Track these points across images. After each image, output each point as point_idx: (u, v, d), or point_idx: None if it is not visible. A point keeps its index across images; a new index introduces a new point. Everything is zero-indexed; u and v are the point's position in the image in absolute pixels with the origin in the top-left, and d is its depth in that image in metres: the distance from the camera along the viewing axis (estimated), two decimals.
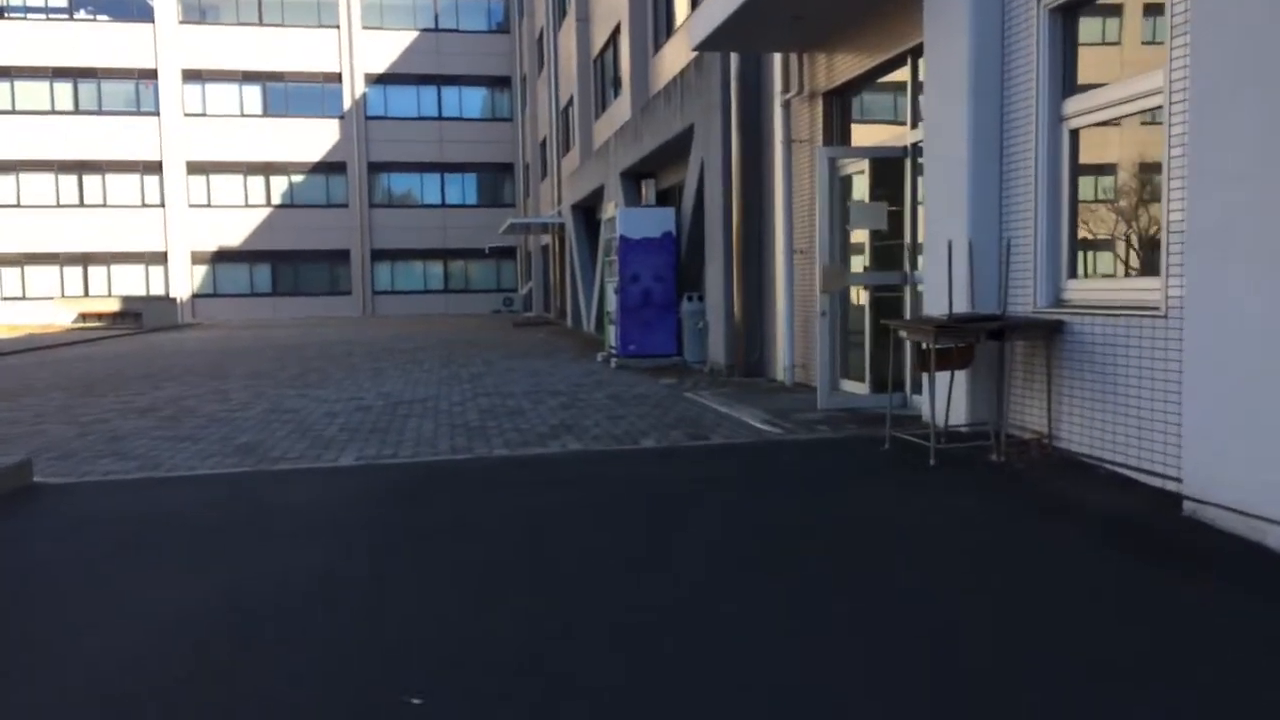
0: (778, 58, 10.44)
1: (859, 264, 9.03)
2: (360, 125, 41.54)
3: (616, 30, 21.26)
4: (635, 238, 13.26)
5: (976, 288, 6.46)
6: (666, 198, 16.55)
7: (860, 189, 9.23)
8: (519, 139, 40.85)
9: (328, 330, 26.79)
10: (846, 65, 9.15)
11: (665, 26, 17.90)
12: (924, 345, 6.11)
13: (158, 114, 40.20)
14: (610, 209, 14.04)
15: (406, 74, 41.95)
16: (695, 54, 12.69)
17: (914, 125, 8.10)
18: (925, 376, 6.58)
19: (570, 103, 28.00)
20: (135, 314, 34.02)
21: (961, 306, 6.53)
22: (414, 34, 41.97)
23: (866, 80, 9.16)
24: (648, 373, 12.34)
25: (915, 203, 8.16)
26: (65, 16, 39.85)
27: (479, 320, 32.82)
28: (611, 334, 13.98)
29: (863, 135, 9.80)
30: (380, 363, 15.02)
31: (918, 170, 8.14)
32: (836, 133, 9.68)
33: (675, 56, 16.65)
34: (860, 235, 8.97)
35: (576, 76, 25.90)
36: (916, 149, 8.12)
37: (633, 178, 17.40)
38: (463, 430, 7.67)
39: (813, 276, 9.94)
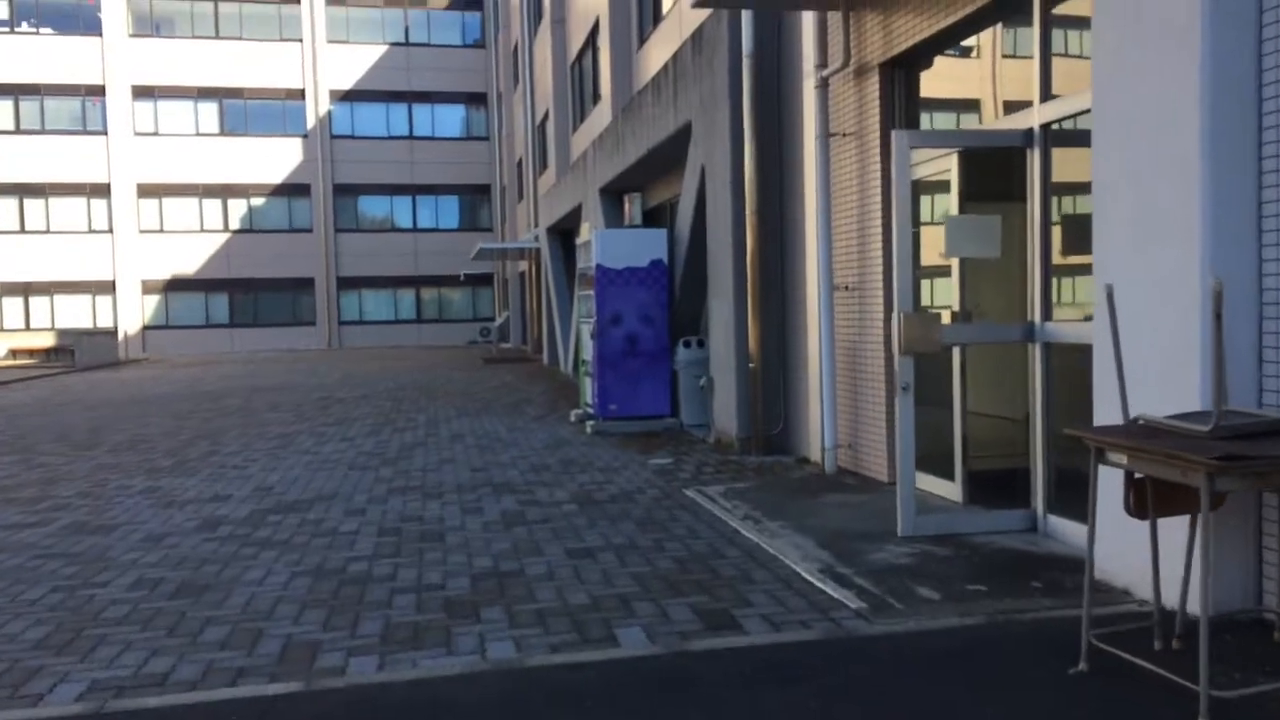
0: (808, 20, 7.59)
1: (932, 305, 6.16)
2: (325, 145, 38.71)
3: (595, 28, 18.50)
4: (616, 267, 10.35)
5: (1232, 366, 3.58)
6: (655, 217, 13.67)
7: (938, 202, 6.37)
8: (495, 159, 38.12)
9: (276, 370, 23.76)
10: (913, 22, 6.31)
11: (651, 14, 15.11)
12: (1143, 473, 3.22)
13: (106, 133, 37.29)
14: (585, 231, 11.13)
15: (375, 90, 39.21)
16: (691, 34, 9.85)
17: (1045, 97, 5.24)
18: (1146, 521, 3.68)
19: (546, 117, 25.25)
20: (71, 350, 30.85)
21: (1178, 394, 3.66)
22: (383, 48, 39.26)
23: (946, 40, 6.32)
24: (634, 443, 9.40)
25: (1045, 215, 5.28)
26: (6, 30, 36.94)
27: (449, 354, 29.83)
28: (588, 388, 11.05)
29: (941, 125, 6.99)
30: (302, 423, 12.02)
31: (1048, 166, 5.27)
32: (899, 120, 6.83)
33: (662, 52, 13.84)
34: (929, 260, 6.10)
35: (553, 87, 23.15)
36: (1048, 134, 5.25)
37: (614, 194, 14.53)
38: (328, 591, 4.70)
39: (861, 321, 7.03)
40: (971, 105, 6.46)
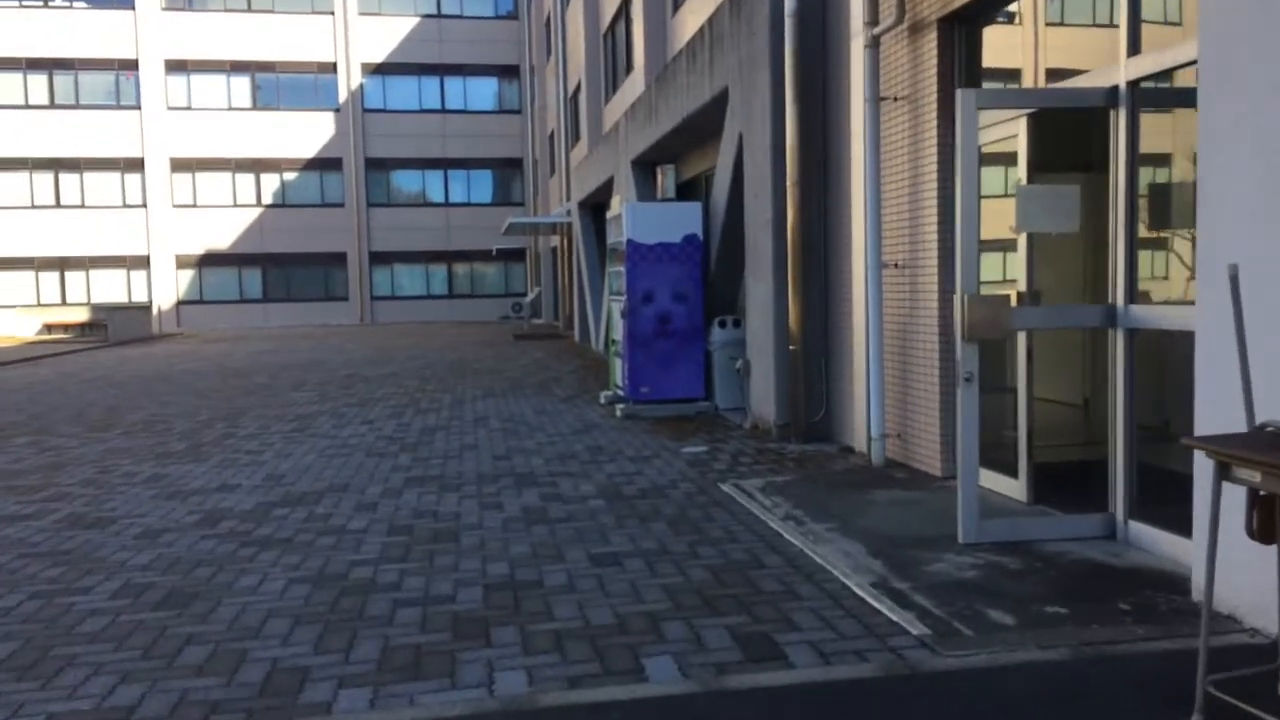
0: None
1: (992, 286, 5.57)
2: (357, 119, 38.36)
3: None
4: (648, 243, 9.81)
5: None
6: (690, 190, 13.10)
7: (998, 173, 5.78)
8: (528, 132, 37.58)
9: (305, 345, 23.51)
10: None
11: None
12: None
13: (139, 108, 37.17)
14: (616, 205, 10.60)
15: (406, 64, 38.75)
16: None
17: (1133, 51, 4.62)
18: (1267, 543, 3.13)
19: (578, 89, 24.68)
20: (105, 324, 30.84)
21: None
22: (414, 20, 38.73)
23: None
24: (666, 428, 8.90)
25: (1132, 185, 4.68)
26: (40, 4, 36.85)
27: (480, 330, 29.47)
28: (618, 369, 10.55)
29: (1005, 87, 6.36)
30: (325, 403, 11.65)
31: (1135, 129, 4.66)
32: (959, 82, 6.21)
33: (697, 18, 13.22)
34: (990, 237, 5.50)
35: (585, 58, 22.55)
36: (1136, 92, 4.63)
37: (646, 166, 13.96)
38: (326, 603, 4.26)
39: (913, 301, 6.46)
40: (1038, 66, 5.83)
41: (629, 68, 18.26)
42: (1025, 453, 5.50)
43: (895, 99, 6.74)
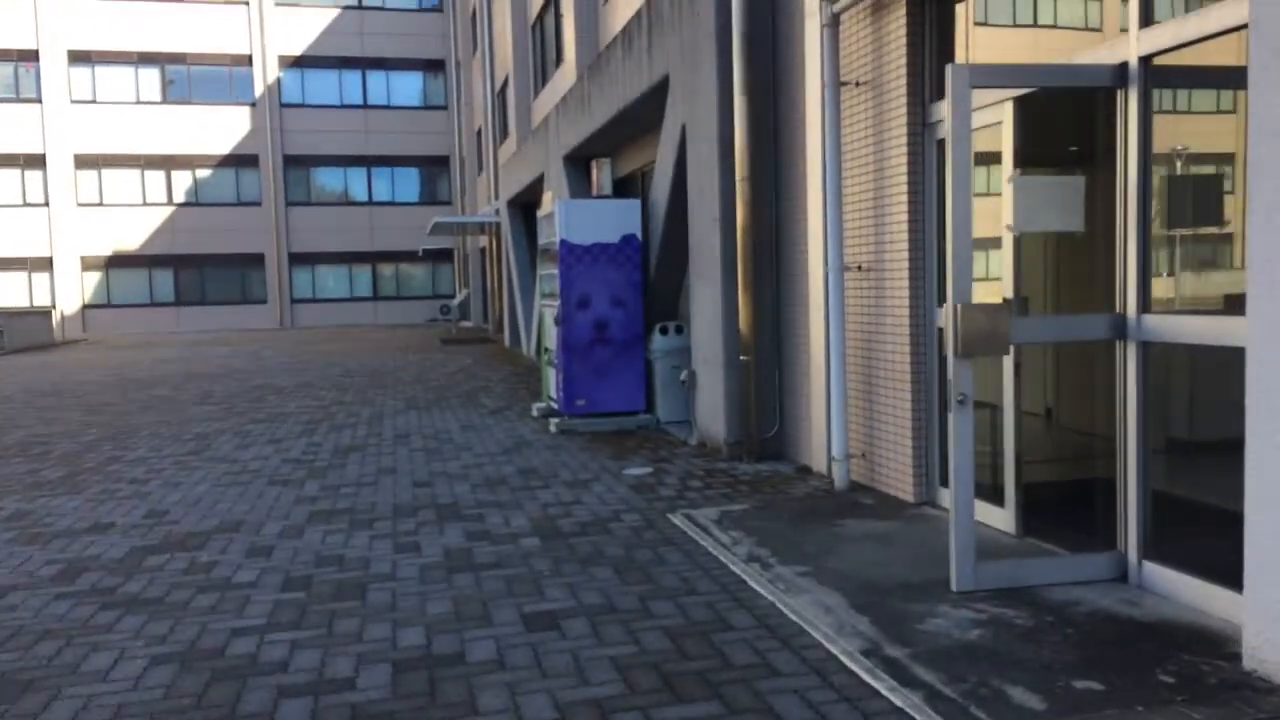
0: None
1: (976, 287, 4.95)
2: (274, 114, 36.83)
3: None
4: (583, 244, 9.05)
5: None
6: (625, 188, 12.38)
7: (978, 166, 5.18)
8: (455, 129, 36.47)
9: (218, 352, 22.21)
10: None
11: None
12: None
13: (40, 101, 35.16)
14: (548, 202, 9.82)
15: (327, 56, 37.34)
16: None
17: (1146, 21, 4.02)
18: None
19: (506, 83, 23.78)
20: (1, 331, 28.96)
21: None
22: (334, 12, 37.33)
23: None
24: (605, 445, 8.16)
25: (1145, 176, 4.08)
26: None
27: (407, 334, 28.36)
28: (551, 379, 9.77)
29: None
30: (229, 419, 10.64)
31: (1148, 111, 4.06)
32: (931, 63, 5.59)
33: (631, 3, 12.50)
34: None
35: (513, 51, 21.67)
36: (1149, 69, 4.03)
37: (580, 162, 13.20)
38: (190, 694, 3.44)
39: (878, 308, 5.82)
40: (1026, 47, 5.24)
41: (559, 59, 17.48)
42: (1014, 478, 4.89)
43: (857, 84, 6.09)
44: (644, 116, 10.04)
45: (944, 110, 5.36)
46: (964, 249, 4.02)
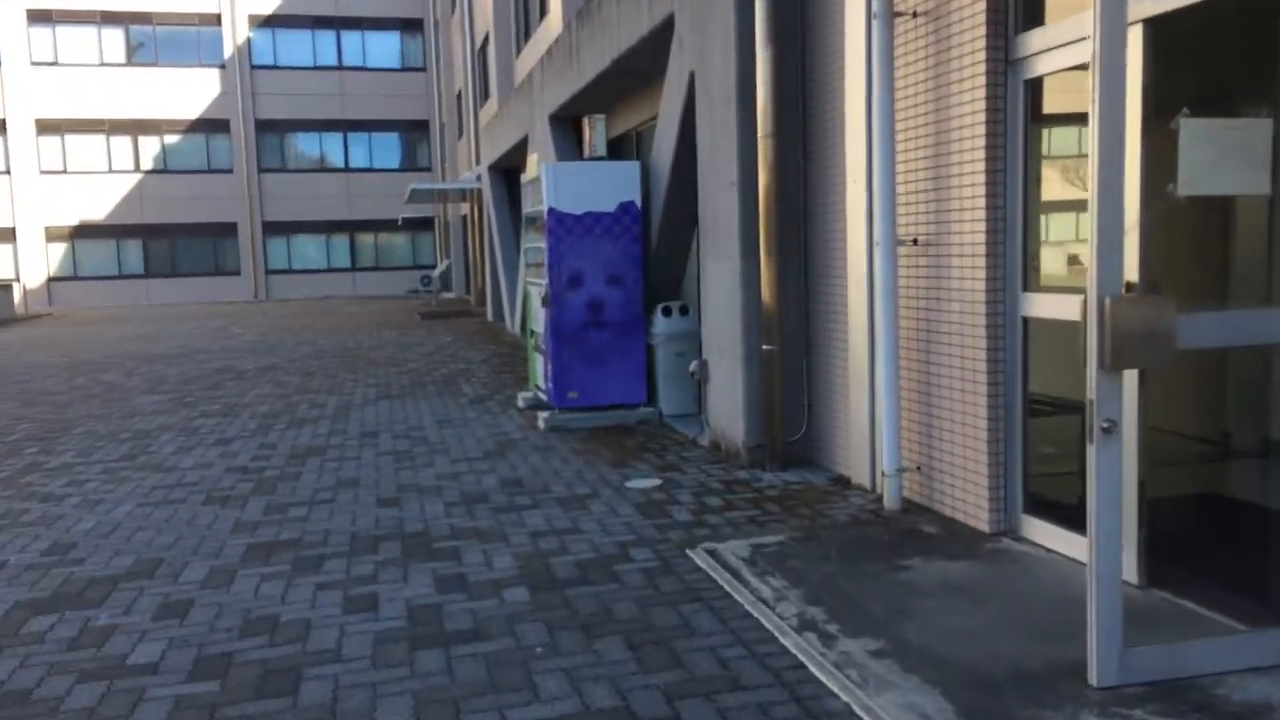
0: None
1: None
2: (245, 76, 35.25)
3: None
4: (574, 213, 7.90)
5: None
6: (617, 151, 11.21)
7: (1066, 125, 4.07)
8: (434, 91, 34.98)
9: (183, 329, 20.96)
10: None
11: None
12: None
13: None
14: (533, 166, 8.64)
15: (299, 15, 35.71)
16: None
17: None
18: None
19: (486, 41, 22.43)
20: None
21: None
22: None
23: None
24: (603, 446, 7.07)
25: None
26: None
27: (385, 307, 27.12)
28: (539, 367, 8.65)
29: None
30: (178, 412, 9.49)
31: None
32: None
33: None
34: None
35: (493, 6, 20.32)
36: None
37: (568, 122, 12.00)
38: None
39: (937, 290, 4.69)
40: None
41: (543, 11, 16.18)
42: (1136, 513, 3.82)
43: (915, 14, 4.95)
44: (641, 66, 8.85)
45: (1039, 40, 4.23)
46: (1113, 220, 2.91)
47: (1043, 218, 4.45)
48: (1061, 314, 4.23)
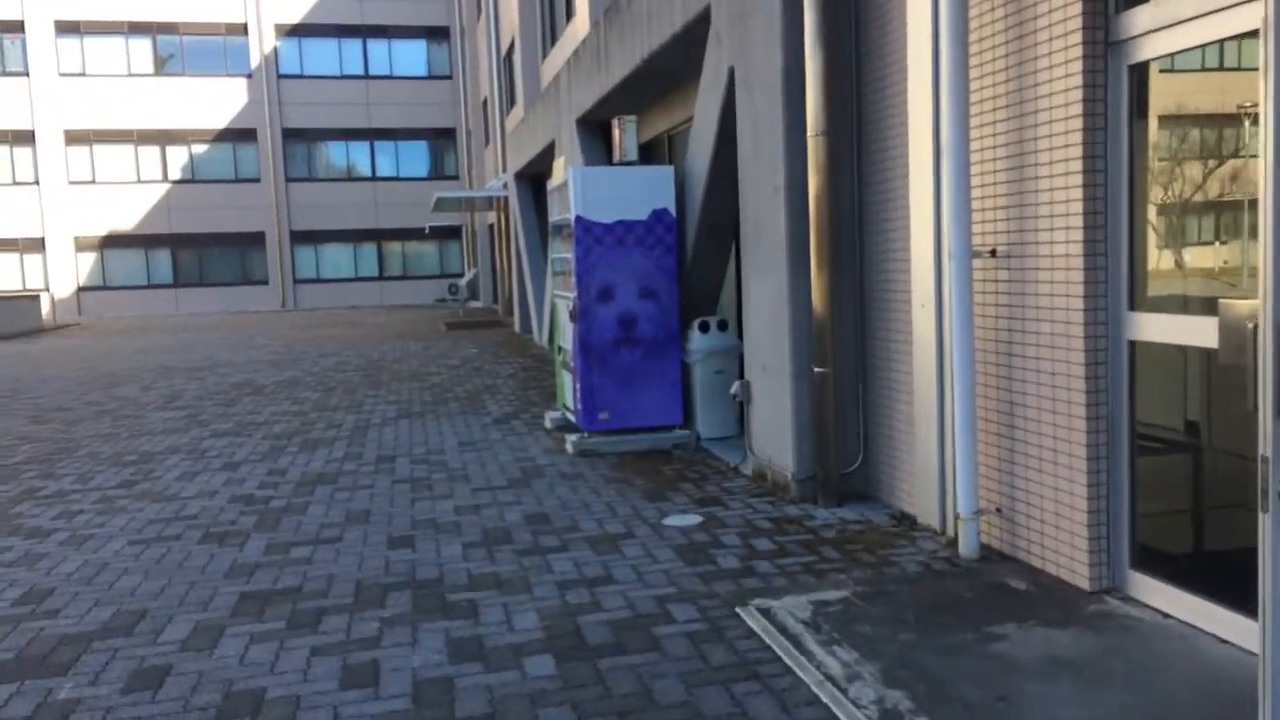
0: None
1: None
2: (272, 85, 35.12)
3: None
4: (604, 221, 7.33)
5: None
6: (648, 156, 10.64)
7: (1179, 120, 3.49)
8: (461, 100, 34.66)
9: (209, 339, 20.63)
10: None
11: None
12: None
13: (27, 74, 33.59)
14: (559, 172, 8.09)
15: (325, 24, 35.55)
16: None
17: None
18: None
19: (512, 47, 22.00)
20: None
21: None
22: None
23: None
24: (636, 475, 6.49)
25: None
26: None
27: (412, 316, 26.72)
28: (567, 385, 8.08)
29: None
30: (189, 431, 9.02)
31: None
32: None
33: None
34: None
35: (518, 13, 19.86)
36: None
37: (596, 126, 11.46)
38: None
39: (1021, 308, 4.05)
40: None
41: (570, 12, 15.67)
42: (1274, 573, 3.18)
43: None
44: (674, 65, 8.29)
45: (1148, 18, 3.61)
46: None
47: (1151, 226, 3.82)
48: (1179, 338, 3.60)
